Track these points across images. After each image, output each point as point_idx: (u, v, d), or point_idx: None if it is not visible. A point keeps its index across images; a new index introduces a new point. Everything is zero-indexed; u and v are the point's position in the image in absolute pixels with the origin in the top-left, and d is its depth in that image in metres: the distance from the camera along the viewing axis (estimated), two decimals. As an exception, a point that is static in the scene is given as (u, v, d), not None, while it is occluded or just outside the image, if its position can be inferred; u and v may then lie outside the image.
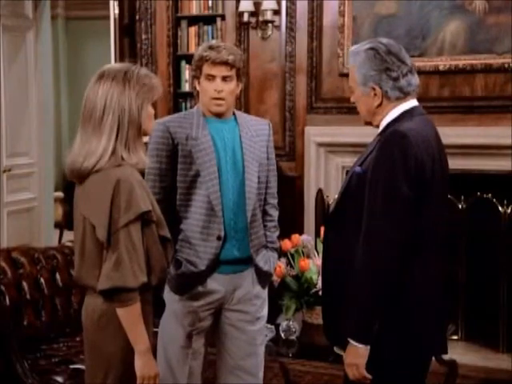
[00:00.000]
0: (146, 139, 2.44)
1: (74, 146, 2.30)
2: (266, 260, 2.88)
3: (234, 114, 2.86)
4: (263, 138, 2.88)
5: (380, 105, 2.33)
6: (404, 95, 2.33)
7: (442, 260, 2.36)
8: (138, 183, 2.25)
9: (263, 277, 2.88)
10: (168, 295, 2.83)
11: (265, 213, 2.91)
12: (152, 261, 2.29)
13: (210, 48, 2.74)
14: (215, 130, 2.79)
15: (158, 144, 2.76)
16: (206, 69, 2.74)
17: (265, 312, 2.95)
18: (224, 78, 2.73)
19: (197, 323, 2.81)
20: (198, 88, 2.81)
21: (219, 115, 2.80)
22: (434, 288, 2.31)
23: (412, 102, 2.35)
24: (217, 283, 2.79)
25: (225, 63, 2.72)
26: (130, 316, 2.22)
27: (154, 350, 2.35)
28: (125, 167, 2.24)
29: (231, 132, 2.82)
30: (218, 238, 2.73)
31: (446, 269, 2.39)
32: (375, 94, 2.33)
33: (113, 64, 2.40)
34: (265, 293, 2.93)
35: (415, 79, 2.35)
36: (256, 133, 2.86)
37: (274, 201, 2.96)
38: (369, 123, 2.42)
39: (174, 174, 2.76)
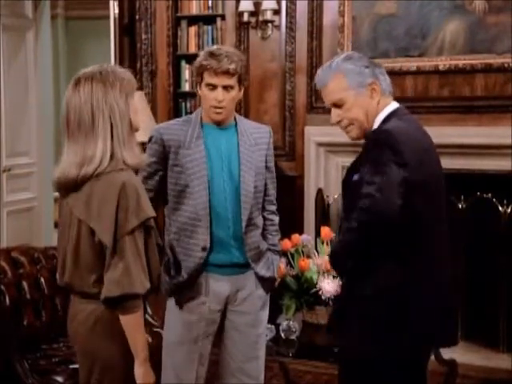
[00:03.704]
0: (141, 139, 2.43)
1: (62, 159, 2.24)
2: (269, 265, 2.87)
3: (234, 118, 2.84)
4: (263, 146, 2.86)
5: (378, 103, 2.35)
6: (390, 91, 2.37)
7: (445, 260, 2.37)
8: (141, 188, 2.22)
9: (266, 283, 2.87)
10: (171, 301, 2.83)
11: (264, 218, 2.91)
12: (151, 267, 2.25)
13: (211, 55, 2.68)
14: (212, 138, 2.78)
15: (151, 150, 2.76)
16: (207, 77, 2.69)
17: (266, 315, 2.95)
18: (225, 87, 2.69)
19: (204, 327, 2.80)
20: (199, 93, 2.78)
21: (218, 122, 2.78)
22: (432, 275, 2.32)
23: (394, 105, 2.39)
24: (220, 285, 2.79)
25: (226, 73, 2.67)
26: (134, 323, 2.20)
27: (150, 352, 2.31)
28: (127, 171, 2.20)
29: (229, 140, 2.80)
30: (203, 249, 2.73)
31: (448, 272, 2.40)
32: (373, 90, 2.34)
33: (84, 69, 2.35)
34: (267, 296, 2.93)
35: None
36: (255, 141, 2.84)
37: (273, 207, 2.96)
38: (361, 137, 2.41)
39: (164, 181, 2.77)
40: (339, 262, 2.38)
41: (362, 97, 2.35)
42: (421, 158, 2.24)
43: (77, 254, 2.23)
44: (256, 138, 2.85)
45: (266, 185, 2.89)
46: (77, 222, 2.22)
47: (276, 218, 2.97)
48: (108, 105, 2.19)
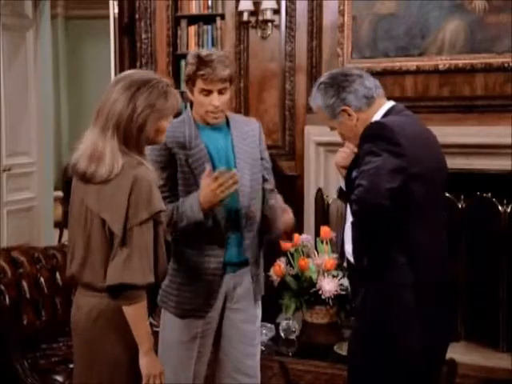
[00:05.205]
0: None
1: (83, 143, 2.28)
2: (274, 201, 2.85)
3: (226, 117, 2.83)
4: (254, 138, 2.86)
5: (358, 120, 2.36)
6: (371, 99, 2.37)
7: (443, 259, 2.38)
8: (154, 183, 2.24)
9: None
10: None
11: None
12: (158, 262, 2.27)
13: (203, 63, 2.65)
14: (208, 138, 2.76)
15: (156, 156, 2.68)
16: (201, 84, 2.67)
17: (260, 311, 2.94)
18: (220, 91, 2.69)
19: (203, 326, 2.79)
20: (191, 98, 2.75)
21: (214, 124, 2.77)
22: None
23: (388, 104, 2.41)
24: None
25: (221, 80, 2.66)
26: (137, 314, 2.21)
27: (155, 349, 2.33)
28: (141, 167, 2.22)
29: (224, 139, 2.80)
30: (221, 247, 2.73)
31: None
32: (349, 115, 2.37)
33: (137, 71, 2.39)
34: (260, 293, 2.92)
35: (369, 81, 2.40)
36: (247, 134, 2.84)
37: (275, 194, 2.92)
38: None
39: (174, 183, 2.73)
40: (357, 260, 2.38)
41: (343, 121, 2.40)
42: (419, 151, 2.25)
43: (88, 246, 2.25)
44: (247, 130, 2.86)
45: (263, 176, 2.88)
46: (89, 213, 2.24)
47: (280, 198, 2.93)
48: (130, 117, 2.21)
